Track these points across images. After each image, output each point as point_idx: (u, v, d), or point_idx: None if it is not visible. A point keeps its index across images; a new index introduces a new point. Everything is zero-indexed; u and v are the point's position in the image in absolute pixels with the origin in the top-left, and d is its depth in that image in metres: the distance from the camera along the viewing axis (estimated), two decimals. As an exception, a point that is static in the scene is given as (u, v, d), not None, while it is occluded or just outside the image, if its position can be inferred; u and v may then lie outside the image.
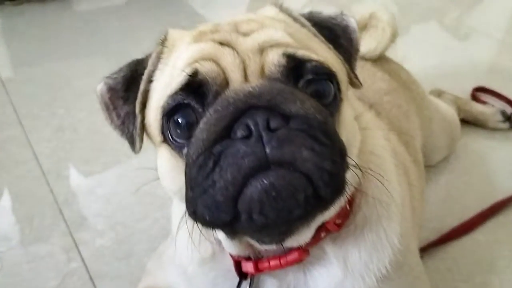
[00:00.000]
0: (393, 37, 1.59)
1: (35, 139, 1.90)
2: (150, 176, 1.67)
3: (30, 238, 1.47)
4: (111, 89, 0.85)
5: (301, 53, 0.76)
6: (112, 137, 1.85)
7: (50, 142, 1.89)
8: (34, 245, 1.45)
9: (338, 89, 0.79)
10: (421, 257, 1.38)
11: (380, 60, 1.60)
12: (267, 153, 0.67)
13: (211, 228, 0.74)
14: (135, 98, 0.82)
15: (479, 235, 1.48)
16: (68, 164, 1.78)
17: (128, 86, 0.84)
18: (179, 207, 0.95)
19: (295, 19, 0.87)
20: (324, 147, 0.69)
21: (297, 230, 0.79)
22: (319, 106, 0.73)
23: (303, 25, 0.86)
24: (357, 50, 0.90)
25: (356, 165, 0.78)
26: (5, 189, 1.67)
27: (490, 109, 1.97)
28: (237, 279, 0.91)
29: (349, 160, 0.75)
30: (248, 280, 0.90)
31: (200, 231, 0.79)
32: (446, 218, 1.53)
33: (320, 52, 0.82)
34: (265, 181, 0.66)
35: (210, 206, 0.69)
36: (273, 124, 0.68)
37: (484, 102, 2.05)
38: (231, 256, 0.90)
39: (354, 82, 0.87)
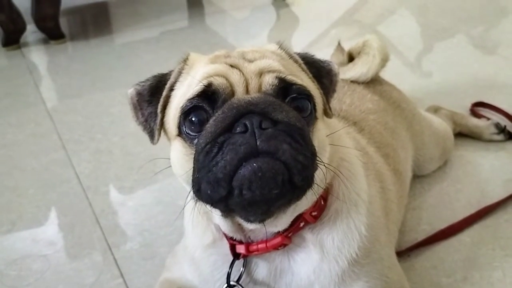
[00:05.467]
0: (384, 62, 1.79)
1: (76, 161, 2.17)
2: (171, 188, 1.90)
3: (72, 243, 1.72)
4: (139, 94, 1.07)
5: (289, 77, 0.98)
6: (141, 157, 2.12)
7: (89, 163, 2.15)
8: (75, 248, 1.69)
9: (314, 109, 1.01)
10: (409, 255, 1.54)
11: (373, 82, 1.79)
12: (257, 144, 0.88)
13: (211, 205, 0.94)
14: (158, 102, 1.04)
15: (465, 236, 1.60)
16: (104, 181, 2.03)
17: (153, 93, 1.06)
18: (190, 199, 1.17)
19: (290, 56, 1.09)
20: (299, 145, 0.90)
21: (276, 212, 0.98)
22: (299, 117, 0.95)
23: (295, 61, 1.09)
24: (334, 90, 1.13)
25: (325, 165, 0.98)
26: (51, 204, 1.94)
27: (484, 122, 2.09)
28: None
29: (318, 161, 0.95)
30: (242, 261, 1.10)
31: (202, 217, 1.02)
32: (436, 221, 1.66)
33: (305, 81, 1.04)
34: (254, 164, 0.87)
35: (211, 182, 0.89)
36: (264, 125, 0.89)
37: (482, 116, 2.18)
38: (227, 240, 1.10)
39: (328, 112, 1.09)
